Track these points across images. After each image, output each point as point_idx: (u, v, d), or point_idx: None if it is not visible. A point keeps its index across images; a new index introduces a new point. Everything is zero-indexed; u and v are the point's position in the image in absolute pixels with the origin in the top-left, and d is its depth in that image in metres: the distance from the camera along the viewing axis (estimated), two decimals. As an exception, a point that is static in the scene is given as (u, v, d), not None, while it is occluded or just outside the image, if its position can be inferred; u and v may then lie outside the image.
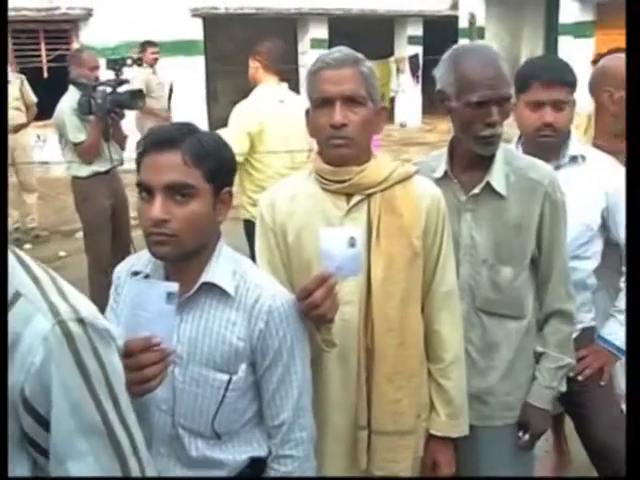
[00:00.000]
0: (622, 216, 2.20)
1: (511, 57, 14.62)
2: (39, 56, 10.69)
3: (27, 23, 10.23)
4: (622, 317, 2.24)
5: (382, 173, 1.68)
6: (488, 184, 1.86)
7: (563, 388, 2.02)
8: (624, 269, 2.30)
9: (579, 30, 12.04)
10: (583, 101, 2.72)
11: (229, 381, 1.46)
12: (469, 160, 1.89)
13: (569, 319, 1.97)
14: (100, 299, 1.57)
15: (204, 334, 1.46)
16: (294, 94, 4.22)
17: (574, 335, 2.24)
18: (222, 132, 3.97)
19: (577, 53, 9.34)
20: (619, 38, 10.17)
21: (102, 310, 1.25)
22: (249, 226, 3.82)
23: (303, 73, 12.90)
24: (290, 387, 1.51)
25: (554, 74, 2.14)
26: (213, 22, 11.85)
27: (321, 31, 13.04)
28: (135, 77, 6.54)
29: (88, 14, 10.70)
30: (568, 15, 12.29)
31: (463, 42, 13.86)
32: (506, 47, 14.55)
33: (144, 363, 1.29)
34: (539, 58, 2.37)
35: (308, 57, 13.01)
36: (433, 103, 2.22)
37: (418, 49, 14.22)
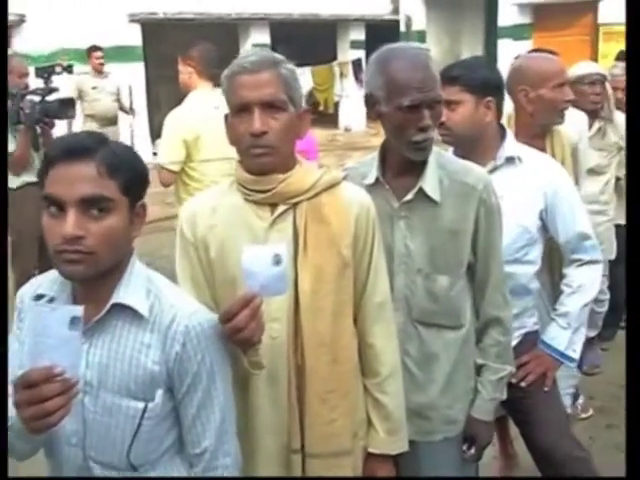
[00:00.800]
0: (562, 216, 2.17)
1: (452, 59, 14.74)
2: (-31, 64, 10.29)
3: (-45, 30, 9.81)
4: (563, 321, 2.20)
5: (307, 181, 1.60)
6: (421, 190, 1.79)
7: (504, 396, 1.97)
8: (565, 271, 2.27)
9: (517, 33, 12.22)
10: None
11: (145, 409, 1.35)
12: (401, 165, 1.82)
13: (506, 327, 1.92)
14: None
15: (116, 359, 1.35)
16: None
17: (516, 341, 2.21)
18: (158, 141, 3.91)
19: (516, 55, 9.47)
20: (555, 40, 10.45)
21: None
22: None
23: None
24: (211, 412, 1.41)
25: (444, 73, 2.09)
26: (152, 27, 11.62)
27: (263, 36, 12.94)
28: (66, 84, 6.40)
29: (21, 20, 10.35)
30: (507, 18, 12.47)
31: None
32: (447, 50, 14.71)
33: (45, 395, 1.15)
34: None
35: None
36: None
37: (361, 53, 14.23)
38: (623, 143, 3.69)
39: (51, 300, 1.38)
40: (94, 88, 7.89)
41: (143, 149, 4.56)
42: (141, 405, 1.35)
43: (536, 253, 2.21)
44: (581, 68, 3.59)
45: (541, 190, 2.16)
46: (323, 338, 1.59)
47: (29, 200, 4.34)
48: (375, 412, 1.71)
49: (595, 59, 10.76)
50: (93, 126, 7.51)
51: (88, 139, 1.32)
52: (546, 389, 2.20)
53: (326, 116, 14.48)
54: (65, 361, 1.19)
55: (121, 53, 10.70)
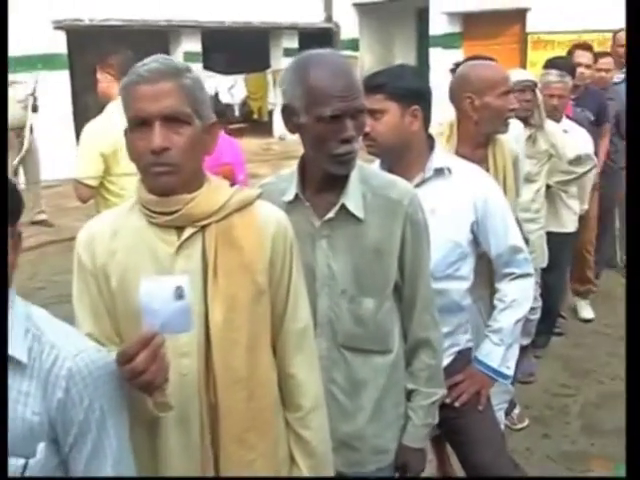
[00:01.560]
0: (493, 229, 2.10)
1: (385, 68, 14.90)
2: None
3: None
4: (496, 337, 2.13)
5: (217, 200, 1.45)
6: (343, 207, 1.68)
7: (437, 420, 1.88)
8: (497, 285, 2.20)
9: (448, 41, 12.36)
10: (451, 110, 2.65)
11: (25, 466, 1.19)
12: (322, 181, 1.70)
13: (436, 349, 1.83)
14: None
15: None
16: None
17: (449, 359, 2.13)
18: (76, 156, 3.71)
19: (447, 64, 9.56)
20: (485, 48, 10.59)
21: None
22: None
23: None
24: (104, 465, 1.26)
25: (367, 81, 2.01)
26: (78, 35, 11.22)
27: (194, 44, 12.68)
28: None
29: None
30: (437, 27, 12.61)
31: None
32: (380, 58, 14.80)
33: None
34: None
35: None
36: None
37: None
38: (553, 151, 3.69)
39: None
40: None
41: (69, 162, 4.33)
42: (21, 462, 1.18)
43: (468, 268, 2.13)
44: (511, 75, 3.57)
45: (471, 202, 2.08)
46: (238, 373, 1.44)
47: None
48: (298, 448, 1.58)
49: (524, 67, 10.98)
50: (10, 135, 7.16)
51: None
52: (480, 408, 2.13)
53: (260, 125, 14.33)
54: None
55: (46, 61, 10.30)
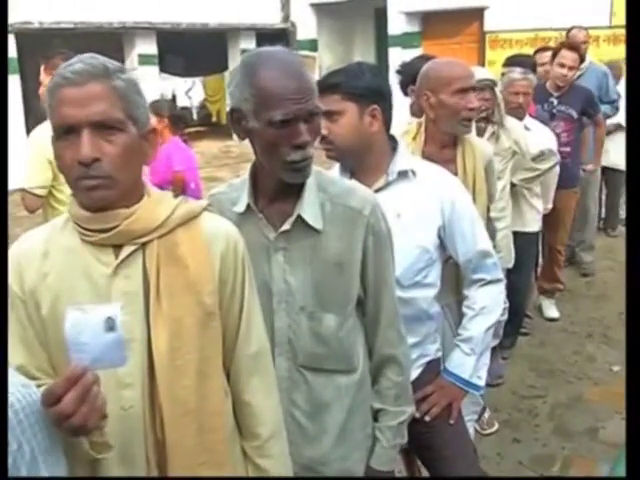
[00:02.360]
0: (461, 233, 2.00)
1: (345, 68, 14.84)
2: None
3: None
4: (467, 346, 2.03)
5: (159, 214, 1.31)
6: (300, 217, 1.55)
7: (405, 439, 1.77)
8: (466, 292, 2.10)
9: (406, 41, 12.34)
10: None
11: None
12: (276, 189, 1.57)
13: (403, 366, 1.72)
14: None
15: None
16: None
17: (418, 370, 2.02)
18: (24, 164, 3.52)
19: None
20: (444, 47, 10.60)
21: None
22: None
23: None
24: None
25: (322, 81, 1.90)
26: (28, 38, 10.89)
27: (149, 46, 12.42)
28: None
29: None
30: (396, 26, 12.58)
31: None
32: (339, 58, 14.72)
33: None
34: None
35: (137, 74, 12.37)
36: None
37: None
38: (516, 148, 3.63)
39: None
40: None
41: (21, 169, 4.12)
42: None
43: (435, 274, 2.03)
44: None
45: (438, 206, 1.98)
46: (186, 405, 1.31)
47: None
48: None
49: (482, 66, 11.01)
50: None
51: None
52: (452, 421, 2.02)
53: (219, 127, 14.16)
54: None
55: (-6, 65, 9.97)
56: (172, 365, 1.29)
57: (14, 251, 1.36)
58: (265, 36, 13.97)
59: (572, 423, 3.58)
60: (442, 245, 2.01)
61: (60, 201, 3.44)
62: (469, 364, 2.01)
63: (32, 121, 10.97)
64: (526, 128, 3.85)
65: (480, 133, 3.36)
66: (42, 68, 3.61)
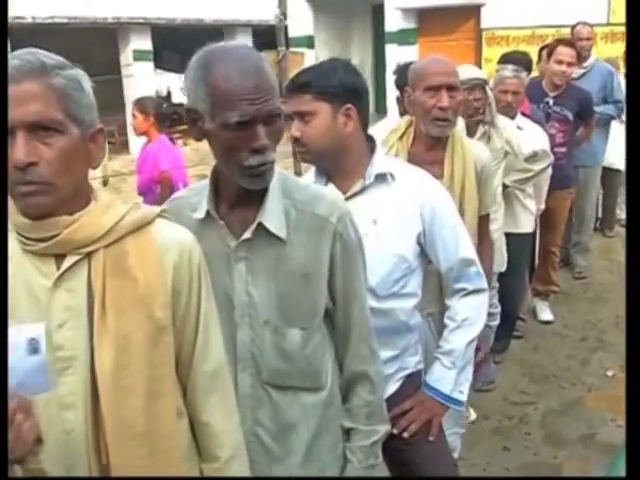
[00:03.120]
0: (442, 240, 1.90)
1: (342, 65, 14.73)
2: None
3: None
4: (447, 360, 1.93)
5: (105, 222, 1.21)
6: (262, 225, 1.45)
7: (380, 459, 1.67)
8: (448, 302, 2.00)
9: (403, 37, 12.21)
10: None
11: None
12: (237, 195, 1.46)
13: (375, 383, 1.61)
14: None
15: None
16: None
17: (398, 384, 1.93)
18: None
19: (402, 60, 9.41)
20: (440, 45, 10.50)
21: None
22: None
23: (126, 85, 12.19)
24: None
25: (293, 80, 1.80)
26: (21, 34, 10.77)
27: (144, 42, 12.29)
28: None
29: None
30: (392, 23, 12.45)
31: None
32: (337, 54, 14.59)
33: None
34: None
35: (132, 69, 12.27)
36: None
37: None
38: (508, 148, 3.53)
39: None
40: None
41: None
42: None
43: (415, 283, 1.92)
44: (461, 73, 3.40)
45: (417, 211, 1.87)
46: (134, 427, 1.21)
47: None
48: None
49: (479, 63, 10.90)
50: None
51: None
52: (431, 438, 1.92)
53: (215, 124, 14.01)
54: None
55: (-13, 61, 9.86)
56: (118, 385, 1.19)
57: None
58: (261, 32, 13.87)
59: (564, 431, 3.49)
60: (423, 252, 1.91)
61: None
62: (450, 378, 1.91)
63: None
64: (518, 128, 3.75)
65: (471, 133, 3.26)
66: None
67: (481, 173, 2.42)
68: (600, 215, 6.84)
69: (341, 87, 1.78)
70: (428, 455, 1.91)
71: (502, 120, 3.55)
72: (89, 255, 1.21)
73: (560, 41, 4.72)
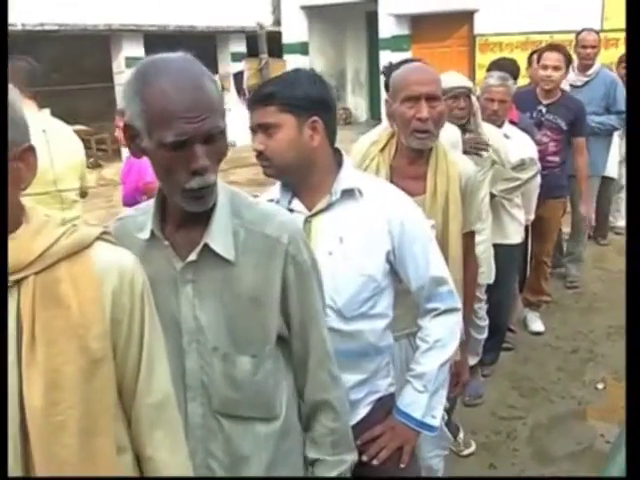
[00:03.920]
0: (412, 258, 1.81)
1: (336, 71, 14.69)
2: None
3: None
4: (419, 383, 1.84)
5: (37, 246, 1.13)
6: (208, 247, 1.37)
7: None
8: (419, 322, 1.91)
9: (396, 44, 12.14)
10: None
11: None
12: (183, 215, 1.38)
13: (338, 410, 1.53)
14: None
15: None
16: (59, 122, 3.56)
17: (368, 409, 1.85)
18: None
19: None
20: (434, 51, 10.44)
21: None
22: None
23: (119, 92, 12.10)
24: None
25: (257, 92, 1.72)
26: (11, 41, 10.72)
27: (137, 49, 12.21)
28: None
29: None
30: (386, 29, 12.39)
31: (296, 59, 13.75)
32: (331, 61, 14.59)
33: None
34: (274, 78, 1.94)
35: (125, 77, 12.19)
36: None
37: (242, 66, 13.78)
38: (495, 157, 3.45)
39: None
40: None
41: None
42: None
43: (385, 303, 1.83)
44: (444, 82, 3.32)
45: (386, 228, 1.78)
46: (68, 466, 1.12)
47: None
48: None
49: (473, 70, 10.84)
50: None
51: None
52: (402, 466, 1.83)
53: (209, 131, 13.94)
54: None
55: (-23, 69, 9.78)
56: (49, 422, 1.11)
57: None
58: (256, 39, 13.82)
59: (552, 447, 3.41)
60: (393, 271, 1.83)
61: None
62: (422, 402, 1.82)
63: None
64: (505, 136, 3.67)
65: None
66: None
67: (465, 187, 2.30)
68: (593, 223, 6.78)
69: (307, 99, 1.71)
70: None
71: (488, 129, 3.47)
72: (18, 283, 1.12)
73: (548, 47, 4.65)
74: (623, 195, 7.01)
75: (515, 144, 3.67)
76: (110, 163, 11.50)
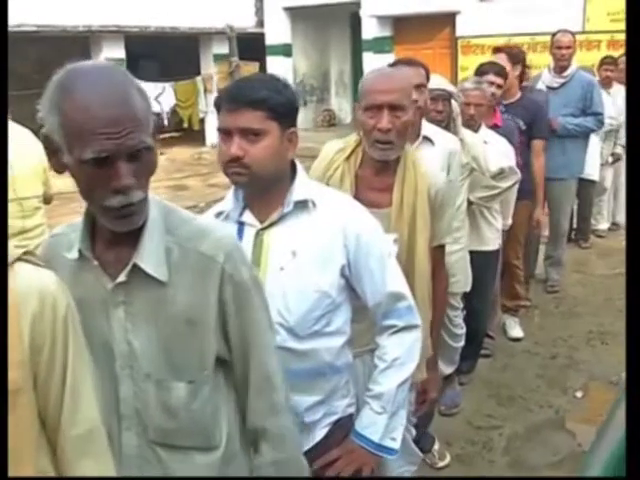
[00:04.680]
0: (369, 273, 1.72)
1: (320, 73, 14.62)
2: None
3: None
4: (377, 404, 1.75)
5: None
6: (139, 266, 1.28)
7: None
8: (377, 340, 1.82)
9: (378, 45, 12.09)
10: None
11: None
12: (111, 232, 1.29)
13: (278, 440, 1.43)
14: None
15: None
16: (17, 126, 3.44)
17: (324, 431, 1.76)
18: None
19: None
20: (416, 53, 10.37)
21: None
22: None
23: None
24: None
25: (243, 94, 1.61)
26: (-11, 42, 10.57)
27: (117, 50, 12.11)
28: None
29: None
30: (368, 31, 12.33)
31: (279, 61, 13.66)
32: (315, 63, 14.52)
33: None
34: (240, 80, 1.83)
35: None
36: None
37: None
38: (475, 164, 3.37)
39: None
40: None
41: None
42: None
43: (341, 320, 1.74)
44: None
45: (341, 242, 1.69)
46: None
47: None
48: None
49: (455, 72, 10.80)
50: None
51: None
52: None
53: (192, 133, 13.87)
54: None
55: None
56: None
57: None
58: (239, 40, 13.73)
59: (529, 457, 3.34)
60: (349, 285, 1.74)
61: None
62: (380, 424, 1.73)
63: None
64: (484, 142, 3.59)
65: None
66: None
67: (435, 200, 2.18)
68: (575, 225, 6.75)
69: (291, 108, 1.64)
70: None
71: (471, 136, 3.40)
72: None
73: (497, 49, 4.70)
74: (605, 198, 7.00)
75: (495, 151, 3.59)
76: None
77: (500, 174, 3.57)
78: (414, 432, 2.34)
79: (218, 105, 1.67)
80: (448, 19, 11.36)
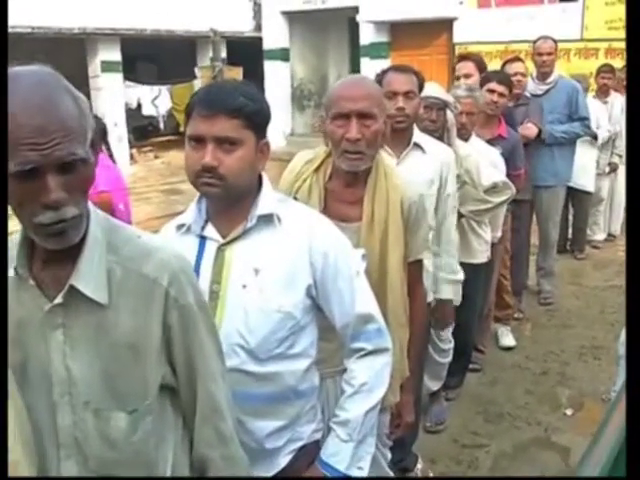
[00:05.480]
0: (337, 293, 1.62)
1: (318, 78, 14.54)
2: None
3: None
4: (343, 431, 1.65)
5: None
6: (76, 288, 1.19)
7: None
8: (345, 363, 1.72)
9: (375, 51, 12.01)
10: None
11: None
12: (48, 251, 1.19)
13: (227, 471, 1.34)
14: None
15: None
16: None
17: (289, 458, 1.66)
18: None
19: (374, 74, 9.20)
20: (413, 59, 10.29)
21: None
22: None
23: (95, 97, 11.89)
24: None
25: (219, 102, 1.51)
26: (-17, 43, 10.48)
27: (113, 53, 12.01)
28: None
29: None
30: (365, 36, 12.25)
31: (277, 65, 13.57)
32: (313, 67, 14.44)
33: None
34: (212, 85, 1.72)
35: (101, 81, 11.99)
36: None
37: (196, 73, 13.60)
38: (467, 178, 3.27)
39: None
40: None
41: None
42: None
43: (306, 342, 1.64)
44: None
45: (306, 259, 1.59)
46: None
47: None
48: None
49: (452, 79, 10.71)
50: None
51: None
52: None
53: (188, 137, 13.76)
54: None
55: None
56: None
57: None
58: (236, 44, 13.67)
59: (516, 477, 3.23)
60: (316, 306, 1.64)
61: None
62: (346, 452, 1.63)
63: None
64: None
65: None
66: None
67: (409, 213, 2.06)
68: (570, 236, 6.66)
69: (265, 117, 1.56)
70: None
71: (464, 148, 3.29)
72: None
73: (463, 57, 4.67)
74: (601, 208, 6.92)
75: (487, 162, 3.49)
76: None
77: (493, 189, 3.46)
78: (389, 455, 2.23)
79: (189, 111, 1.58)
80: (445, 25, 11.28)
